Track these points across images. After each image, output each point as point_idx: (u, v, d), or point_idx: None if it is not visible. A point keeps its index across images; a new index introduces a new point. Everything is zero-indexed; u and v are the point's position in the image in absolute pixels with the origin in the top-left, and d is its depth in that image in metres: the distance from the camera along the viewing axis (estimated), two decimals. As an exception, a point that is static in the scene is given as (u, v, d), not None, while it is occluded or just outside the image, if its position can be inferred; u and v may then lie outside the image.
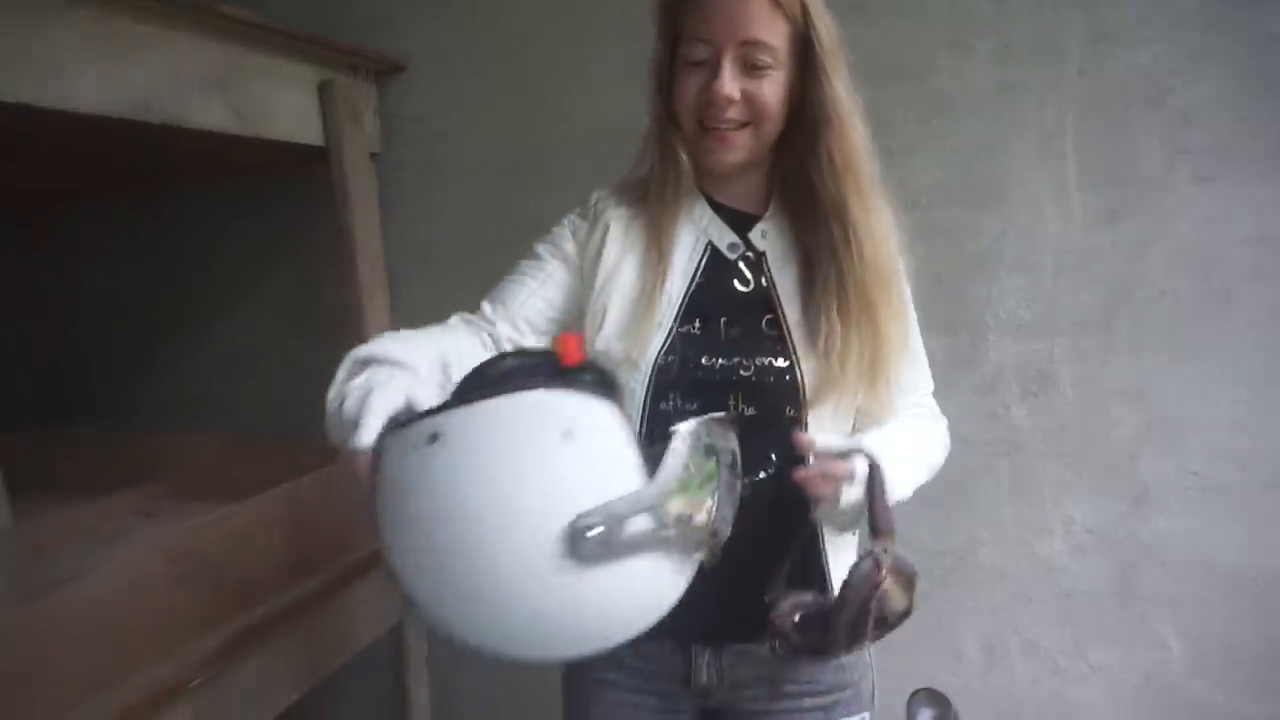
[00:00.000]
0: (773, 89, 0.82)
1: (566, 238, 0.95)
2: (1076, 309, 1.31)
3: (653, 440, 0.63)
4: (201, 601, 1.15)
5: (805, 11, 0.80)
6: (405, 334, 0.82)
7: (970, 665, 1.45)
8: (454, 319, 0.92)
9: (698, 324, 0.87)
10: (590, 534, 0.56)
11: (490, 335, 0.90)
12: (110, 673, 1.01)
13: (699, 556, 0.64)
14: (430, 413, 0.59)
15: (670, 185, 0.89)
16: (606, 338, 0.88)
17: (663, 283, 0.88)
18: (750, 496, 0.75)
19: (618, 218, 0.92)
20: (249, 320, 2.00)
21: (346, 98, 1.58)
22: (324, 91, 1.55)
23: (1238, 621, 1.28)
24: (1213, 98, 1.21)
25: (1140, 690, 1.35)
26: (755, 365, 0.85)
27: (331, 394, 0.73)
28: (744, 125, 0.83)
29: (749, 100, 0.81)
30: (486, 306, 0.92)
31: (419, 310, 0.95)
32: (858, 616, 0.73)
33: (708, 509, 0.61)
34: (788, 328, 0.86)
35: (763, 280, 0.89)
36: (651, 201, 0.90)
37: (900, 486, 0.82)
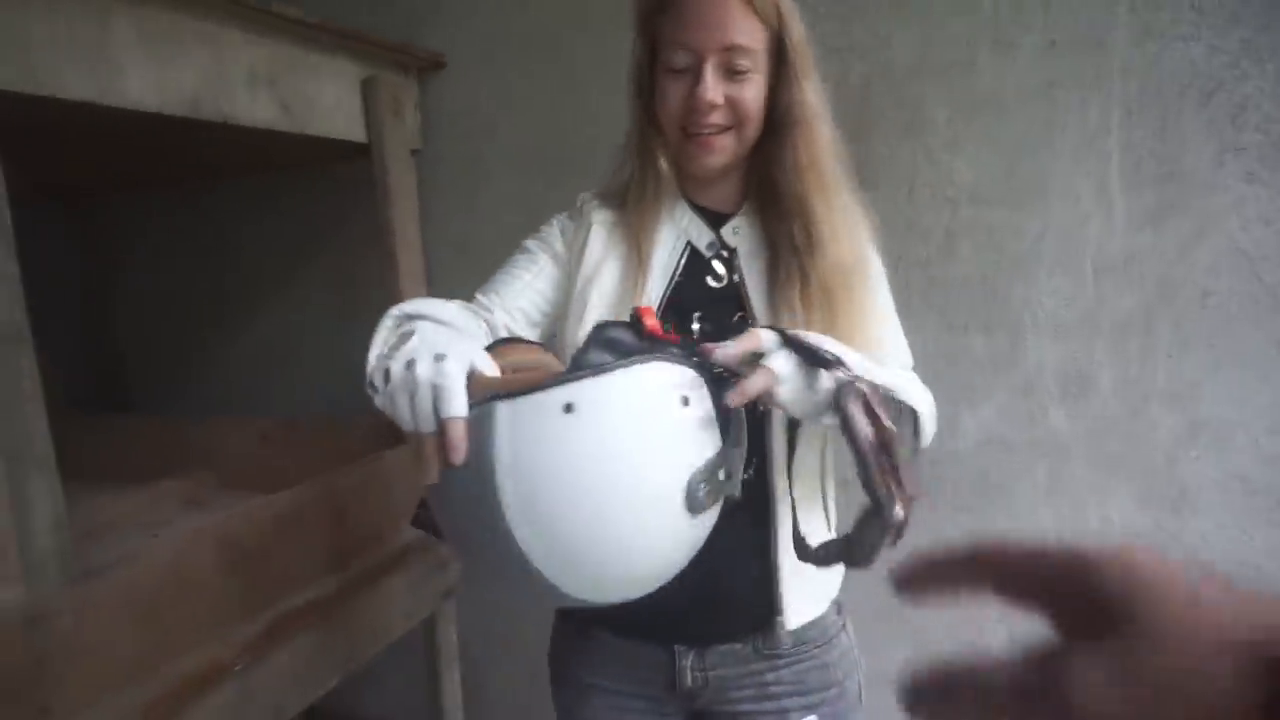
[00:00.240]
0: (754, 93, 0.83)
1: (556, 237, 0.97)
2: (1118, 310, 1.29)
3: None
4: (245, 588, 1.18)
5: (779, 15, 0.81)
6: (434, 299, 0.81)
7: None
8: (454, 304, 0.91)
9: (674, 321, 0.88)
10: (703, 491, 0.64)
11: (487, 321, 0.91)
12: (156, 655, 1.04)
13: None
14: (559, 382, 0.61)
15: (650, 190, 0.90)
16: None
17: (643, 285, 0.89)
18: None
19: (601, 221, 0.94)
20: (290, 312, 2.04)
21: (389, 94, 1.60)
22: (367, 88, 1.57)
23: None
24: (1267, 94, 1.18)
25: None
26: None
27: (378, 349, 0.72)
28: (726, 129, 0.84)
29: (732, 105, 0.82)
30: (482, 297, 0.94)
31: (456, 304, 0.96)
32: (877, 454, 0.63)
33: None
34: (754, 321, 0.87)
35: (734, 276, 0.90)
36: (630, 207, 0.92)
37: (848, 357, 0.71)
